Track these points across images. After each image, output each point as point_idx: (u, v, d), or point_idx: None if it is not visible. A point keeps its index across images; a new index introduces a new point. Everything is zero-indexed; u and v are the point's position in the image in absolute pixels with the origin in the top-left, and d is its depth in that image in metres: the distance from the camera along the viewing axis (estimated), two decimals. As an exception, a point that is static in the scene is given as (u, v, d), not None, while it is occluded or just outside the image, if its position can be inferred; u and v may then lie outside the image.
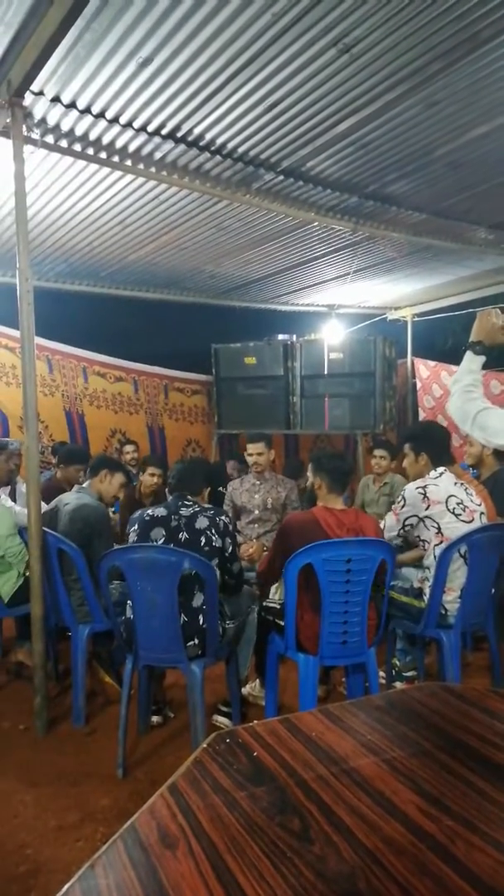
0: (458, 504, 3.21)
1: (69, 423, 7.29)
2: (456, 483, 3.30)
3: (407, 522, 3.26)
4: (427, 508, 3.20)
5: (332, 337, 7.15)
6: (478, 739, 1.32)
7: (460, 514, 3.20)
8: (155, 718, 3.33)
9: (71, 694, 3.42)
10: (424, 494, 3.21)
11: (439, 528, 3.19)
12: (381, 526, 3.29)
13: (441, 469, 3.32)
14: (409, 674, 3.69)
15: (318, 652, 2.92)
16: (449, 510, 3.18)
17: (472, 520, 3.22)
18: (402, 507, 3.27)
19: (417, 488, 3.25)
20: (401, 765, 1.24)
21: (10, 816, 2.61)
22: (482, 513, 3.30)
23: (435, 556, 3.20)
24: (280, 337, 7.30)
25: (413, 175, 4.38)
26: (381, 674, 3.55)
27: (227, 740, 1.35)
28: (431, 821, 1.07)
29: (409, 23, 2.76)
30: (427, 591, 3.23)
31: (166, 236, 5.35)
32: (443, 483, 3.26)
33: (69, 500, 3.63)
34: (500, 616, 3.58)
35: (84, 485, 3.81)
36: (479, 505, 3.31)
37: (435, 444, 3.41)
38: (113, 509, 4.72)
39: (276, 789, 1.18)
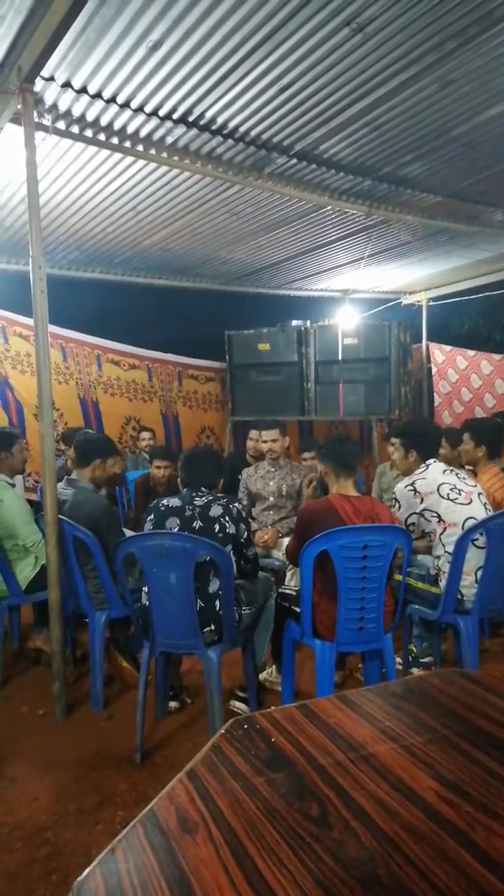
0: (451, 489, 3.26)
1: (84, 410, 7.31)
2: (445, 471, 3.35)
3: (409, 521, 3.29)
4: (421, 502, 3.26)
5: (347, 322, 7.10)
6: (497, 726, 1.32)
7: (456, 498, 3.24)
8: (172, 704, 3.35)
9: (89, 679, 3.46)
10: (414, 490, 3.27)
11: (439, 516, 3.22)
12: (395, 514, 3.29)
13: (429, 461, 3.37)
14: (426, 660, 3.69)
15: (335, 638, 2.92)
16: (443, 497, 3.22)
17: (471, 501, 3.24)
18: (399, 508, 3.32)
19: (407, 487, 3.31)
20: (419, 751, 1.24)
21: (30, 800, 2.64)
22: (480, 493, 3.34)
23: (443, 544, 3.20)
24: (294, 323, 7.25)
25: (428, 157, 4.32)
26: (398, 660, 3.55)
27: (245, 726, 1.36)
28: (451, 807, 1.07)
29: (422, 1, 2.71)
30: (441, 577, 3.22)
31: (179, 222, 5.33)
32: (430, 474, 3.31)
33: (65, 495, 3.53)
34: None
35: (73, 475, 3.72)
36: (475, 486, 3.35)
37: (425, 441, 3.47)
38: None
39: (294, 775, 1.18)
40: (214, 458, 3.23)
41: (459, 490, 3.25)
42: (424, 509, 3.25)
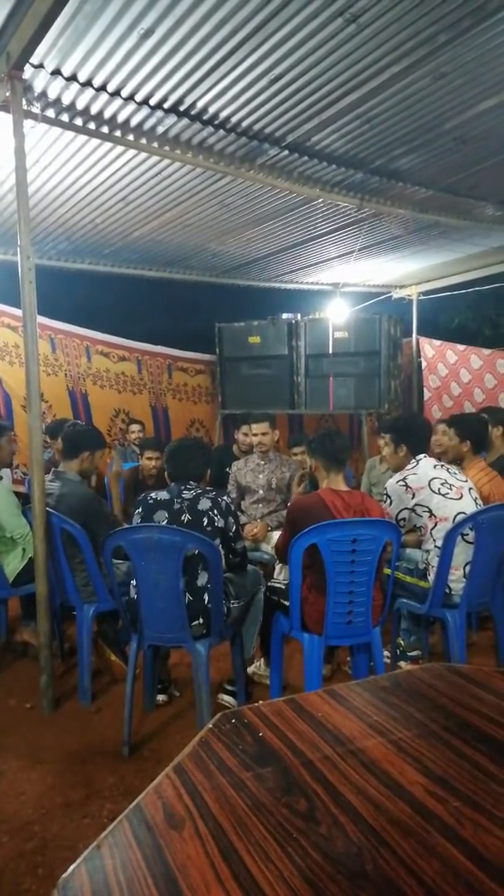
0: (442, 484, 3.26)
1: (73, 402, 7.27)
2: (435, 465, 3.36)
3: (400, 517, 3.29)
4: (413, 497, 3.26)
5: (337, 316, 7.09)
6: (485, 720, 1.31)
7: (447, 493, 3.24)
8: (160, 697, 3.35)
9: (77, 672, 3.44)
10: (406, 486, 3.27)
11: (431, 511, 3.23)
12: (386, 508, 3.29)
13: (420, 456, 3.38)
14: (414, 653, 3.70)
15: (323, 632, 2.92)
16: (434, 491, 3.23)
17: (461, 496, 3.25)
18: (390, 504, 3.31)
19: (398, 482, 3.30)
20: (407, 745, 1.23)
21: (16, 794, 2.63)
22: (471, 488, 3.35)
23: (434, 539, 3.21)
24: (284, 316, 7.23)
25: (420, 150, 4.31)
26: (386, 653, 3.56)
27: (233, 720, 1.35)
28: (438, 802, 1.07)
29: (416, -9, 2.70)
30: (430, 571, 3.23)
31: (169, 213, 5.29)
32: (421, 469, 3.32)
33: (51, 488, 3.50)
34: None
35: (60, 467, 3.69)
36: (466, 482, 3.35)
37: (415, 436, 3.47)
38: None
39: (281, 770, 1.17)
40: (201, 451, 3.19)
41: (450, 485, 3.26)
42: (416, 504, 3.26)
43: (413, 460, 3.38)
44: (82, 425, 3.82)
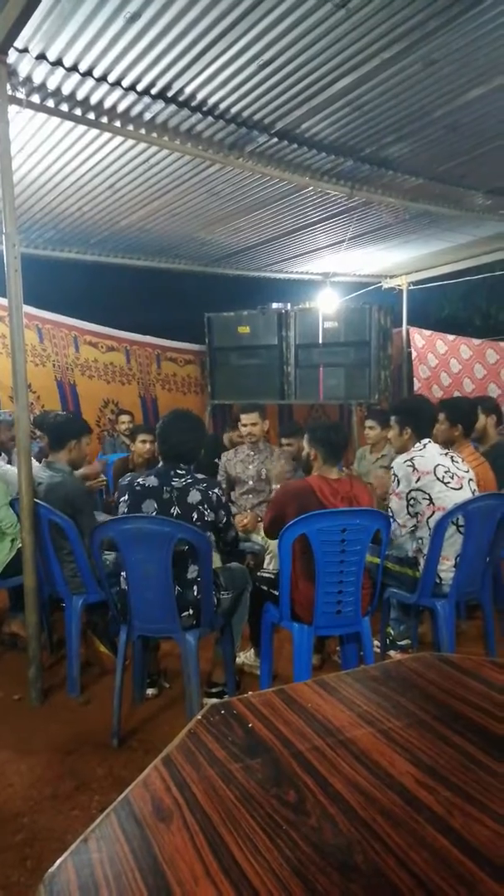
0: (446, 472, 3.24)
1: (61, 393, 7.22)
2: (441, 452, 3.34)
3: (410, 497, 3.24)
4: (417, 480, 3.22)
5: (327, 306, 7.06)
6: (475, 710, 1.31)
7: (449, 482, 3.22)
8: (150, 691, 3.33)
9: (66, 664, 3.43)
10: (413, 467, 3.24)
11: (431, 499, 3.21)
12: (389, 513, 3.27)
13: (425, 440, 3.35)
14: (404, 643, 3.71)
15: (313, 621, 2.92)
16: (438, 479, 3.21)
17: (461, 487, 3.24)
18: (399, 485, 3.27)
19: (405, 462, 3.27)
20: (397, 735, 1.23)
21: (5, 785, 2.62)
22: (471, 479, 3.33)
23: (429, 527, 3.20)
24: (274, 305, 7.20)
25: (410, 138, 4.27)
26: (376, 643, 3.57)
27: (222, 711, 1.34)
28: (429, 792, 1.06)
29: (407, -25, 2.67)
30: (422, 560, 3.23)
31: (157, 201, 5.23)
32: (428, 453, 3.29)
33: (41, 478, 3.48)
34: (494, 585, 3.60)
35: (50, 458, 3.66)
36: (468, 472, 3.34)
37: (420, 418, 3.43)
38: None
39: (271, 761, 1.17)
40: (194, 433, 3.06)
41: (453, 474, 3.24)
42: (418, 488, 3.21)
43: (419, 443, 3.34)
44: (63, 415, 3.78)
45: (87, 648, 3.72)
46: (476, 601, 3.63)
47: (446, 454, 3.36)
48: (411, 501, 3.24)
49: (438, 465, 3.24)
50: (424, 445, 3.32)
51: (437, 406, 4.08)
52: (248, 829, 0.99)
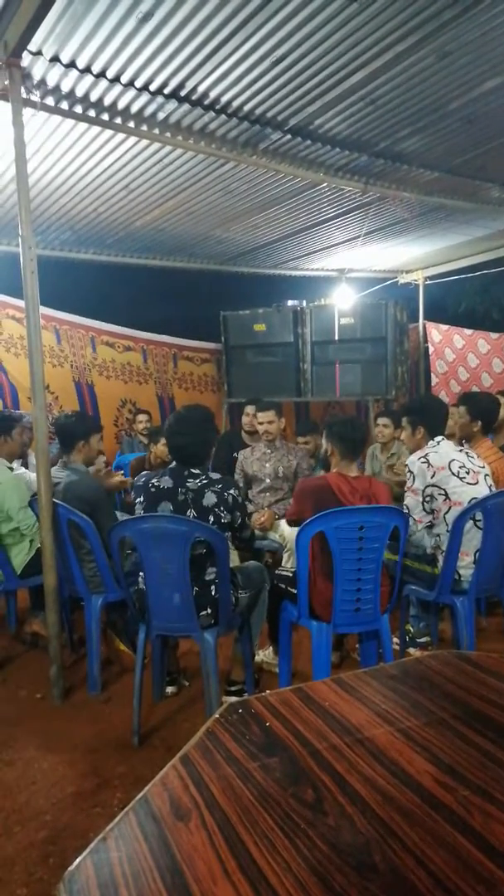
0: (461, 467, 3.23)
1: (79, 394, 7.26)
2: (455, 448, 3.33)
3: (426, 494, 3.23)
4: (432, 476, 3.21)
5: (343, 302, 7.03)
6: (494, 708, 1.30)
7: (465, 477, 3.21)
8: (169, 689, 3.34)
9: (86, 663, 3.45)
10: (428, 463, 3.23)
11: (447, 494, 3.20)
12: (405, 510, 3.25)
13: (439, 438, 3.35)
14: (423, 640, 3.69)
15: (332, 619, 2.91)
16: (454, 473, 3.20)
17: (477, 482, 3.22)
18: (414, 481, 3.26)
19: (419, 459, 3.27)
20: (416, 734, 1.22)
21: (28, 783, 2.64)
22: (487, 474, 3.32)
23: (446, 523, 3.18)
24: (289, 303, 7.18)
25: (425, 131, 4.24)
26: (395, 640, 3.55)
27: (240, 710, 1.34)
28: (448, 791, 1.06)
29: (419, -33, 2.64)
30: (440, 557, 3.21)
31: (172, 201, 5.24)
32: (442, 449, 3.29)
33: (59, 478, 3.50)
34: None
35: (66, 458, 3.66)
36: (483, 467, 3.33)
37: (432, 417, 3.41)
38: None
39: (289, 760, 1.16)
40: (201, 433, 2.96)
41: (468, 469, 3.23)
42: (433, 484, 3.21)
43: (433, 441, 3.33)
44: (70, 415, 3.76)
45: (107, 647, 3.75)
46: (496, 597, 3.60)
47: (461, 450, 3.35)
48: (427, 498, 3.23)
49: (453, 460, 3.24)
50: (438, 442, 3.32)
51: (457, 400, 4.05)
52: (266, 828, 0.99)
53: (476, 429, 3.81)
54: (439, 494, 3.21)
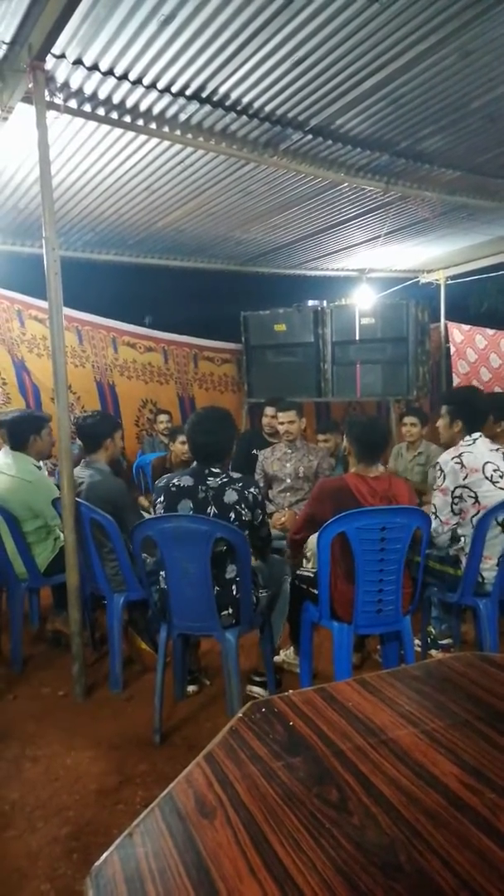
0: (494, 470, 3.12)
1: (101, 394, 7.31)
2: (492, 449, 3.21)
3: (455, 494, 3.15)
4: (465, 477, 3.11)
5: (363, 302, 7.01)
6: (519, 710, 1.29)
7: (498, 482, 3.10)
8: (191, 688, 3.36)
9: (108, 661, 3.48)
10: (461, 463, 3.13)
11: (476, 497, 3.11)
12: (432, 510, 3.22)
13: (476, 435, 3.23)
14: (445, 642, 3.67)
15: (353, 620, 2.90)
16: (486, 477, 3.10)
17: None
18: (444, 480, 3.17)
19: (453, 458, 3.15)
20: (440, 736, 1.22)
21: (51, 779, 2.67)
22: None
23: (472, 525, 3.14)
24: (310, 303, 7.17)
25: (447, 130, 4.21)
26: (417, 642, 3.53)
27: (263, 709, 1.34)
28: (473, 793, 1.05)
29: (442, -34, 2.63)
30: (463, 558, 3.18)
31: (193, 202, 5.26)
32: (477, 449, 3.17)
33: (82, 477, 3.53)
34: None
35: (88, 457, 3.70)
36: None
37: (473, 411, 3.30)
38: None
39: (312, 760, 1.17)
40: (222, 432, 3.00)
41: (502, 473, 3.13)
42: (464, 486, 3.12)
43: (469, 437, 3.22)
44: (91, 415, 3.79)
45: (129, 645, 3.77)
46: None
47: (497, 449, 3.22)
48: (456, 500, 3.16)
49: (488, 462, 3.12)
50: (474, 441, 3.19)
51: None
52: (291, 827, 0.99)
53: (499, 430, 3.76)
54: (469, 496, 3.12)
